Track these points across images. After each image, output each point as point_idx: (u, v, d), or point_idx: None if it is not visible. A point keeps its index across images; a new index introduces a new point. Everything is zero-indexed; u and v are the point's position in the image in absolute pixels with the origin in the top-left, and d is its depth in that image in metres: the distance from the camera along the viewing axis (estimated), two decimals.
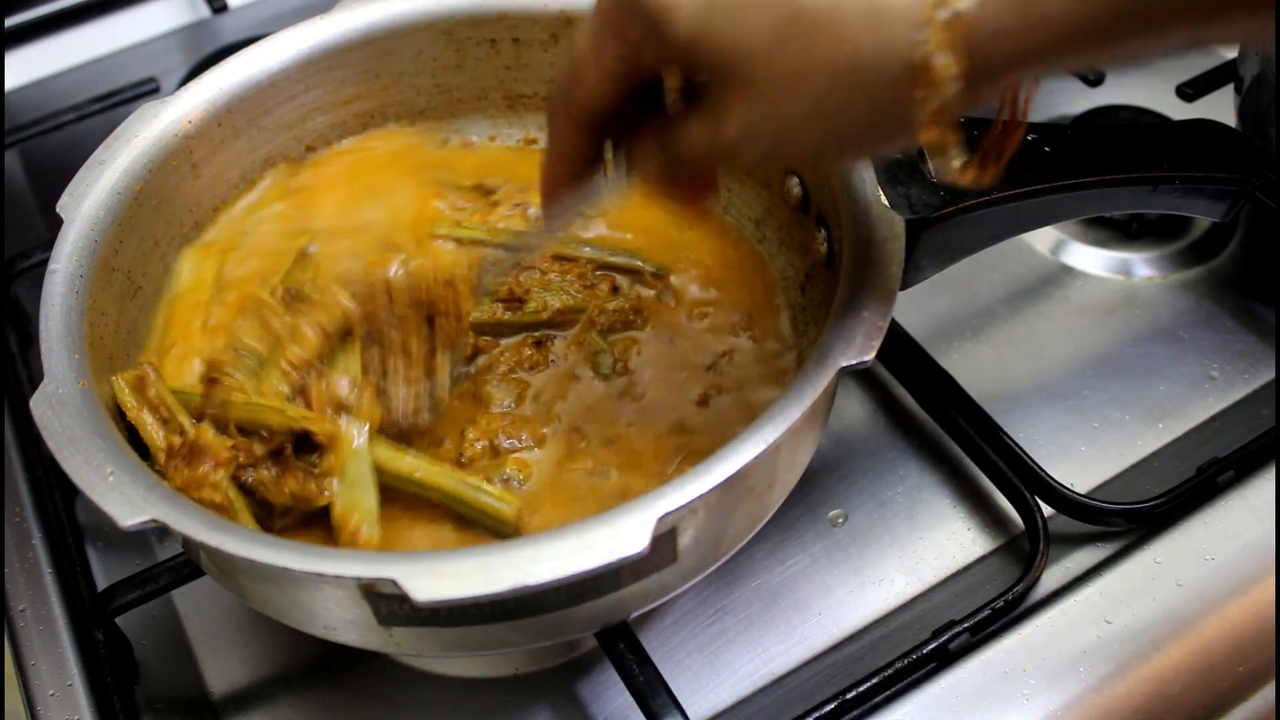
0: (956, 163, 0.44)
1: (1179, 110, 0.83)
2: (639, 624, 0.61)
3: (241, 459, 0.53)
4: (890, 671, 0.57)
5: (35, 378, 0.55)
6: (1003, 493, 0.65)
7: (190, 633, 0.64)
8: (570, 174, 0.51)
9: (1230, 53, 0.81)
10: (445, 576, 0.42)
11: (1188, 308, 0.75)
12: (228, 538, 0.45)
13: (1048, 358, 0.73)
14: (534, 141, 0.73)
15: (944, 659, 0.58)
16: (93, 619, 0.61)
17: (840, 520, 0.66)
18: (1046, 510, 0.63)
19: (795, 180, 0.63)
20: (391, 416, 0.56)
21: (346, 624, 0.50)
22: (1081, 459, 0.68)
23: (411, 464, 0.54)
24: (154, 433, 0.54)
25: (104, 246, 0.57)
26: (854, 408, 0.71)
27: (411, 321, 0.58)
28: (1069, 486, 0.63)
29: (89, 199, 0.58)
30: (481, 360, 0.61)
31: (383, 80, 0.70)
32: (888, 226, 0.53)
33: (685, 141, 0.47)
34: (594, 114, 0.48)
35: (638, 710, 0.54)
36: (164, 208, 0.62)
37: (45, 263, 0.55)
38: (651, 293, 0.64)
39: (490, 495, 0.53)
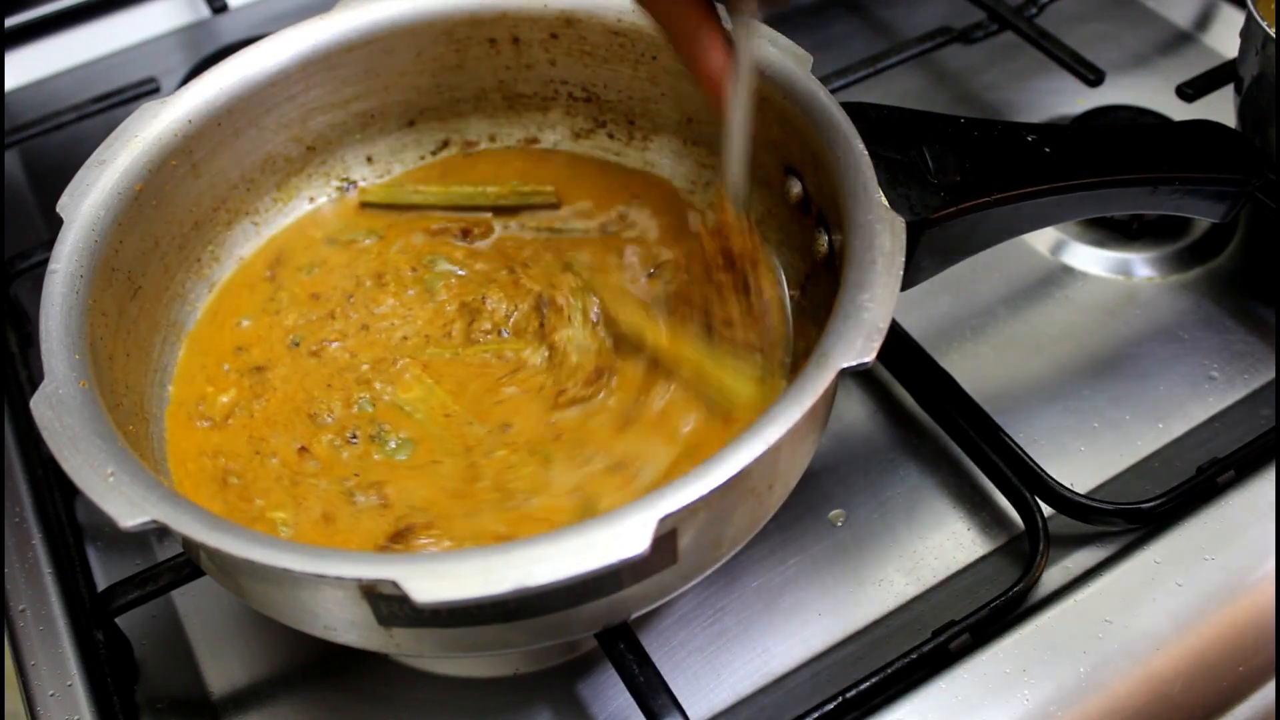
0: None
1: (1179, 110, 0.82)
2: (639, 624, 0.61)
3: None
4: (890, 671, 0.57)
5: (35, 378, 0.55)
6: (1003, 493, 0.65)
7: (190, 633, 0.64)
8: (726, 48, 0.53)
9: (1230, 53, 0.81)
10: (446, 577, 0.42)
11: (1188, 308, 0.75)
12: (228, 538, 0.45)
13: (1048, 358, 0.73)
14: (534, 141, 0.73)
15: (944, 659, 0.58)
16: (93, 619, 0.61)
17: (840, 520, 0.66)
18: (1046, 510, 0.63)
19: (795, 180, 0.63)
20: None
21: (347, 624, 0.50)
22: (1081, 459, 0.68)
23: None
24: None
25: (104, 246, 0.57)
26: (854, 408, 0.71)
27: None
28: (1069, 486, 0.63)
29: (89, 199, 0.58)
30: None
31: (383, 80, 0.70)
32: (888, 227, 0.53)
33: None
34: None
35: (638, 710, 0.54)
36: (164, 208, 0.62)
37: (45, 263, 0.55)
38: None
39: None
